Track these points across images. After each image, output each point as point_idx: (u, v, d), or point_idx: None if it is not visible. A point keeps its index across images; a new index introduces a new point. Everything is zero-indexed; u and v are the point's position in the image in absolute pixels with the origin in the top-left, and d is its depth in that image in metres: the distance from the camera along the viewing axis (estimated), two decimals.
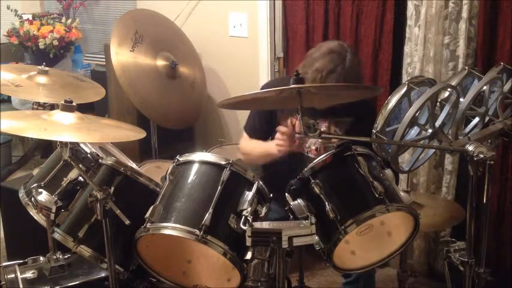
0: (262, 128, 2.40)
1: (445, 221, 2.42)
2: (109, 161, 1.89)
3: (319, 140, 2.32)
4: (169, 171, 1.78)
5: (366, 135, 1.74)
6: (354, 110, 2.19)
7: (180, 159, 1.81)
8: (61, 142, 1.75)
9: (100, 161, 1.89)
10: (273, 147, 2.21)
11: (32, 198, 1.97)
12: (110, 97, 3.51)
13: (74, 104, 1.78)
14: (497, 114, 1.94)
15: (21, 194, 2.08)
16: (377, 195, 1.67)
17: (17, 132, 1.74)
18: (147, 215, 1.67)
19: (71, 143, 1.76)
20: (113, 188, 1.75)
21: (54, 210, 1.86)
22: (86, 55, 4.32)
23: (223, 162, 1.75)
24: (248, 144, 2.43)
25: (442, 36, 2.67)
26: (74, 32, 4.26)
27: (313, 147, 2.36)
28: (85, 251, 1.80)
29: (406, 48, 2.79)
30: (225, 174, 1.71)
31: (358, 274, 2.30)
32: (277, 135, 2.19)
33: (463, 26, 2.58)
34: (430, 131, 1.76)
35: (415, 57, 2.73)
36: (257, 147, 2.37)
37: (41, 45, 4.14)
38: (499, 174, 2.65)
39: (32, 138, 3.94)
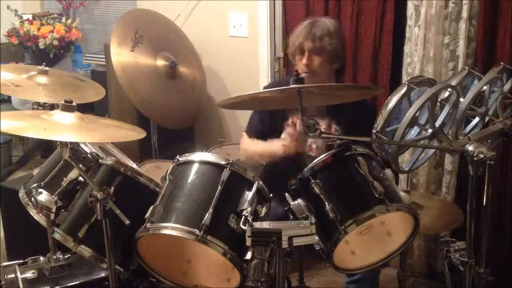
0: (263, 129, 2.40)
1: (444, 224, 2.41)
2: (109, 161, 1.89)
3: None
4: (169, 171, 1.78)
5: (365, 134, 1.74)
6: (354, 109, 2.19)
7: (180, 159, 1.81)
8: (61, 142, 1.75)
9: (100, 161, 1.89)
10: (276, 145, 2.23)
11: (32, 198, 1.96)
12: (110, 97, 3.51)
13: (74, 104, 1.78)
14: (497, 114, 1.94)
15: (21, 194, 2.08)
16: (377, 195, 1.67)
17: (17, 132, 1.75)
18: (147, 215, 1.67)
19: (71, 143, 1.76)
20: (113, 188, 1.75)
21: (54, 210, 1.86)
22: (86, 55, 4.33)
23: (223, 162, 1.74)
24: (249, 142, 2.43)
25: (442, 36, 2.67)
26: (74, 32, 4.26)
27: (314, 146, 2.36)
28: (85, 251, 1.80)
29: (406, 48, 2.79)
30: (225, 174, 1.71)
31: (362, 274, 2.30)
32: (284, 135, 2.19)
33: (463, 26, 2.58)
34: (430, 131, 1.76)
35: (415, 57, 2.73)
36: (259, 146, 2.37)
37: (41, 45, 4.14)
38: (499, 174, 2.65)
39: (32, 138, 3.94)
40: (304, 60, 2.29)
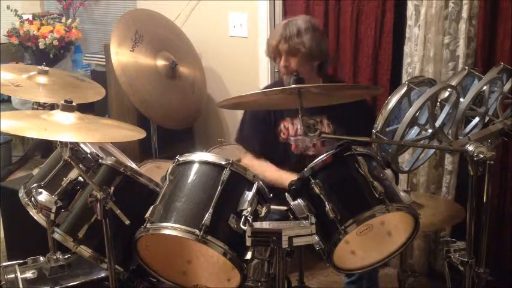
0: (265, 140, 2.39)
1: (445, 220, 2.42)
2: (109, 161, 1.89)
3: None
4: (169, 171, 1.78)
5: (363, 134, 1.74)
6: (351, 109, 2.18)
7: (180, 159, 1.81)
8: (61, 142, 1.75)
9: (100, 161, 1.89)
10: (286, 179, 2.06)
11: (32, 198, 1.96)
12: (110, 97, 3.51)
13: (74, 104, 1.78)
14: (497, 114, 1.94)
15: (21, 194, 2.08)
16: (377, 195, 1.67)
17: (17, 132, 1.74)
18: (147, 215, 1.67)
19: (71, 143, 1.76)
20: (112, 188, 1.75)
21: (54, 210, 1.86)
22: (86, 55, 4.32)
23: (223, 162, 1.74)
24: (257, 166, 2.36)
25: (442, 36, 2.67)
26: (74, 32, 4.26)
27: (310, 144, 2.36)
28: (85, 251, 1.80)
29: (406, 48, 2.79)
30: (225, 174, 1.71)
31: (360, 274, 2.30)
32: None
33: (463, 26, 2.58)
34: (430, 131, 1.76)
35: (415, 57, 2.73)
36: (270, 174, 2.30)
37: (41, 45, 4.14)
38: (499, 174, 2.65)
39: (32, 138, 3.94)
40: (282, 62, 2.31)
